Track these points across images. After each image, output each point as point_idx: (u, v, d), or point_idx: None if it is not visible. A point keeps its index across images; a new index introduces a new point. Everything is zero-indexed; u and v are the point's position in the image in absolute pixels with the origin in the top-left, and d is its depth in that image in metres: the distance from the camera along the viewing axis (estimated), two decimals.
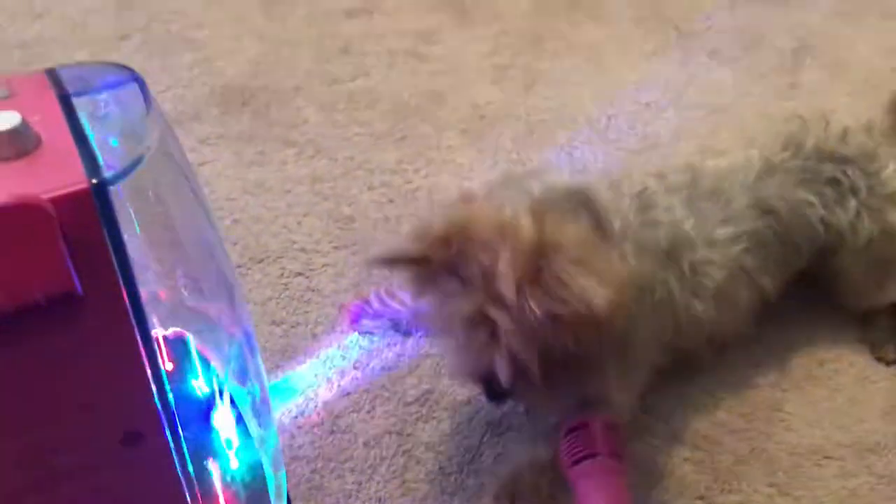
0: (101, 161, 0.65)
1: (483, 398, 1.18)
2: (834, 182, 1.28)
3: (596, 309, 0.95)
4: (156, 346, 0.69)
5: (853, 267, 1.32)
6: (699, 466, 1.24)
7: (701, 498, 1.20)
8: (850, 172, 1.28)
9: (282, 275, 1.51)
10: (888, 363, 1.37)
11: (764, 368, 1.36)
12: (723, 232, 1.22)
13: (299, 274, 1.51)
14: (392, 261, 1.08)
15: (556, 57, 2.02)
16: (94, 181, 0.60)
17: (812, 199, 1.27)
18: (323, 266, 1.53)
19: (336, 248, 1.55)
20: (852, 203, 1.28)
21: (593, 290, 0.96)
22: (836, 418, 1.30)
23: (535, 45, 2.06)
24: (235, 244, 1.56)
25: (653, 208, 1.18)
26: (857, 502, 1.20)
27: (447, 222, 1.03)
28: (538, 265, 0.97)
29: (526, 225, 1.00)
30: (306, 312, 1.45)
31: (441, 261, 1.02)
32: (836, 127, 1.32)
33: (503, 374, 1.02)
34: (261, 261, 1.54)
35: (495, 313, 0.98)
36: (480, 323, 1.00)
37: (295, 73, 1.94)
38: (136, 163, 0.65)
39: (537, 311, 0.96)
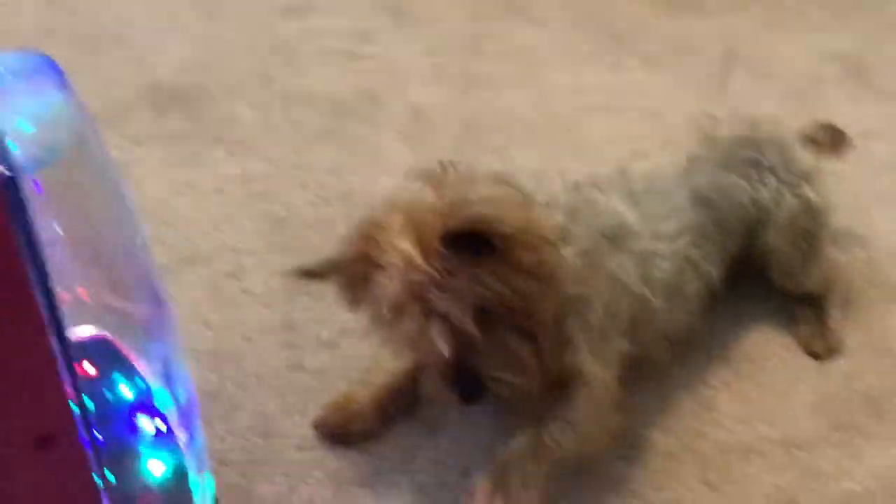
0: (14, 149, 0.62)
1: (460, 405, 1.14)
2: (754, 162, 1.38)
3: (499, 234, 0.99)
4: (70, 348, 0.66)
5: (779, 242, 1.39)
6: (632, 464, 1.25)
7: (634, 493, 1.21)
8: (766, 152, 1.38)
9: (212, 276, 1.48)
10: (819, 357, 1.41)
11: (694, 367, 1.38)
12: (667, 226, 1.27)
13: (231, 275, 1.48)
14: (316, 273, 1.13)
15: (494, 59, 2.03)
16: (5, 170, 0.58)
17: (740, 181, 1.36)
18: (255, 267, 1.50)
19: (268, 249, 1.53)
20: (772, 180, 1.37)
21: (497, 224, 0.99)
22: (765, 414, 1.33)
23: (472, 47, 2.06)
24: (165, 245, 1.52)
25: (593, 201, 1.21)
26: (784, 497, 1.22)
27: (359, 224, 1.07)
28: (444, 223, 1.00)
29: (426, 194, 1.03)
30: (238, 314, 1.42)
31: (359, 261, 1.05)
32: (746, 117, 1.42)
33: (442, 343, 1.02)
34: (192, 262, 1.50)
35: (414, 287, 1.01)
36: (408, 305, 1.02)
37: (228, 72, 1.91)
38: (52, 153, 0.62)
39: (445, 266, 0.99)
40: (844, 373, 1.39)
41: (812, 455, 1.28)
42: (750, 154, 1.37)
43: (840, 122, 1.89)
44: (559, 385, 1.16)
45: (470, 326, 1.02)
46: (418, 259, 1.00)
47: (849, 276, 1.52)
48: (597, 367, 1.17)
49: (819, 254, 1.43)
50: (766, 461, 1.26)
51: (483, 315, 1.03)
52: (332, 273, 1.11)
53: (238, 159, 1.70)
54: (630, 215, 1.24)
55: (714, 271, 1.32)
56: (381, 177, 1.69)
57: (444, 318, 1.02)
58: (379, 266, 1.04)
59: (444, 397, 1.11)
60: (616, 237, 1.21)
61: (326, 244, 1.52)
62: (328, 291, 1.43)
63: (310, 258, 1.49)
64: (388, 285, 1.03)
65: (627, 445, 1.26)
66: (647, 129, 1.86)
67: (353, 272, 1.08)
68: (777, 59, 2.08)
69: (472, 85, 1.94)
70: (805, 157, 1.42)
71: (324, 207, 1.61)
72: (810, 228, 1.40)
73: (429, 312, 1.02)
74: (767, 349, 1.42)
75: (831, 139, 1.53)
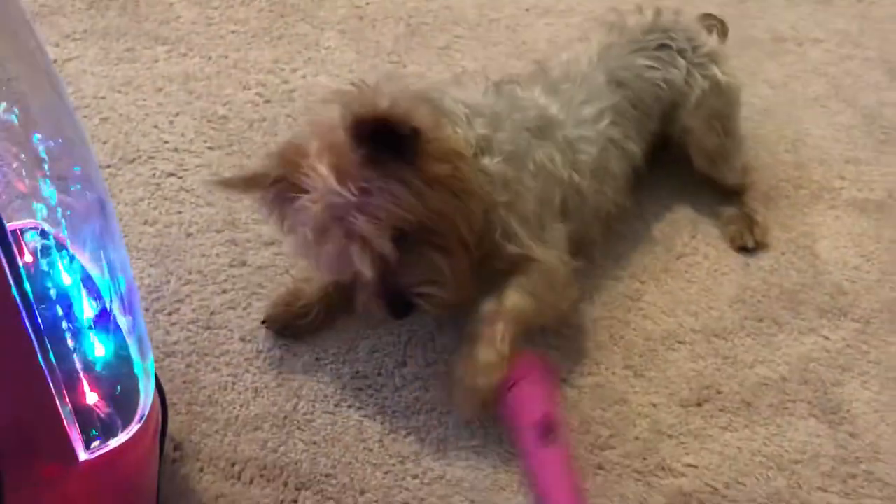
0: None
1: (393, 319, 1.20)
2: (664, 47, 1.44)
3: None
4: (7, 234, 0.68)
5: (694, 122, 1.46)
6: (562, 352, 1.31)
7: (563, 381, 1.28)
8: (674, 36, 1.45)
9: (154, 175, 1.48)
10: (749, 249, 1.48)
11: (624, 262, 1.44)
12: (588, 111, 1.33)
13: (172, 174, 1.49)
14: (238, 183, 1.14)
15: None
16: None
17: (651, 63, 1.42)
18: (197, 167, 1.50)
19: (210, 147, 1.53)
20: (681, 61, 1.44)
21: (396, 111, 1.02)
22: (689, 307, 1.40)
23: None
24: (105, 143, 1.52)
25: (515, 97, 1.25)
26: (703, 381, 1.30)
27: (285, 143, 1.11)
28: (353, 118, 1.02)
29: (336, 115, 1.05)
30: (179, 213, 1.43)
31: (281, 183, 1.08)
32: (649, 8, 1.48)
33: (364, 265, 1.07)
34: (132, 161, 1.50)
35: (334, 210, 1.04)
36: (329, 228, 1.06)
37: None
38: None
39: (361, 187, 1.03)
40: (766, 268, 1.46)
41: (731, 344, 1.36)
42: (659, 39, 1.43)
43: (779, 28, 1.93)
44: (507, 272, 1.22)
45: (387, 247, 1.07)
46: (334, 182, 1.03)
47: (771, 174, 1.59)
48: (543, 250, 1.22)
49: (736, 140, 1.51)
50: (687, 349, 1.34)
51: (402, 235, 1.07)
52: (255, 189, 1.13)
53: (177, 57, 1.68)
54: (552, 106, 1.29)
55: (636, 149, 1.40)
56: (322, 76, 1.69)
57: (364, 241, 1.06)
58: (301, 189, 1.07)
59: (376, 312, 1.15)
60: (541, 128, 1.26)
61: (268, 143, 1.54)
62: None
63: (251, 159, 1.52)
64: (310, 208, 1.06)
65: (559, 335, 1.33)
66: (589, 31, 1.86)
67: (275, 193, 1.11)
68: None
69: None
70: (709, 40, 1.48)
71: (265, 106, 1.61)
72: (722, 109, 1.47)
73: (350, 234, 1.06)
74: (694, 248, 1.48)
75: (720, 27, 1.61)
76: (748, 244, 1.48)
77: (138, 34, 1.71)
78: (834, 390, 1.31)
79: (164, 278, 1.34)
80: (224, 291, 1.34)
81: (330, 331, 1.30)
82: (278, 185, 1.10)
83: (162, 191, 1.46)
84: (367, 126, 1.02)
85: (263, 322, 1.29)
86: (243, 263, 1.37)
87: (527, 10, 1.91)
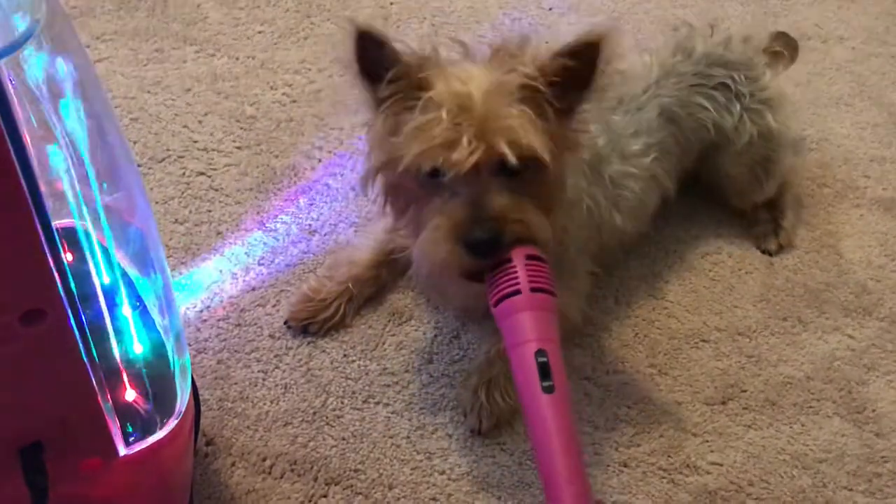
0: None
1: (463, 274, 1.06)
2: (723, 87, 1.37)
3: None
4: (53, 228, 0.70)
5: (735, 168, 1.43)
6: (587, 350, 1.33)
7: (588, 378, 1.29)
8: (736, 77, 1.37)
9: (183, 174, 1.50)
10: (772, 254, 1.48)
11: (649, 261, 1.45)
12: (636, 145, 1.30)
13: (201, 173, 1.51)
14: (379, 43, 0.99)
15: None
16: None
17: (706, 103, 1.36)
18: (225, 166, 1.52)
19: (238, 147, 1.55)
20: (737, 107, 1.37)
21: None
22: (714, 305, 1.41)
23: None
24: (135, 143, 1.54)
25: None
26: (727, 379, 1.31)
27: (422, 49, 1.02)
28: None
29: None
30: (209, 211, 1.46)
31: (417, 74, 1.00)
32: (720, 34, 1.40)
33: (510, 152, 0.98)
34: (161, 160, 1.52)
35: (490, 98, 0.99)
36: (467, 120, 0.98)
37: None
38: (26, 37, 0.64)
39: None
40: (790, 267, 1.47)
41: (755, 342, 1.36)
42: (721, 77, 1.36)
43: (802, 26, 1.93)
44: None
45: (513, 159, 0.98)
46: (529, 68, 1.00)
47: (801, 179, 1.58)
48: (567, 298, 1.20)
49: (774, 174, 1.46)
50: (712, 347, 1.35)
51: (525, 165, 1.01)
52: (395, 63, 1.00)
53: (205, 58, 1.70)
54: (601, 137, 1.24)
55: (671, 185, 1.37)
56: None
57: (508, 130, 0.98)
58: (433, 101, 0.99)
59: (452, 258, 1.02)
60: (591, 166, 1.23)
61: (296, 143, 1.56)
62: (298, 191, 1.49)
63: (279, 158, 1.53)
64: (459, 89, 0.99)
65: (584, 334, 1.34)
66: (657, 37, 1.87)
67: (403, 85, 1.01)
68: None
69: None
70: (771, 84, 1.41)
71: (292, 106, 1.63)
72: (768, 154, 1.42)
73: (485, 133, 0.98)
74: (718, 247, 1.49)
75: (787, 48, 1.54)
76: (772, 249, 1.48)
77: (167, 35, 1.73)
78: (859, 389, 1.31)
79: (196, 276, 1.36)
80: (253, 289, 1.36)
81: (357, 328, 1.32)
82: (409, 79, 1.00)
83: (192, 189, 1.48)
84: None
85: (286, 323, 1.31)
86: (272, 261, 1.40)
87: (549, 9, 1.92)
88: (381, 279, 1.34)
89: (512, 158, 0.98)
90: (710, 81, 1.36)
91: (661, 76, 1.34)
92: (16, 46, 0.64)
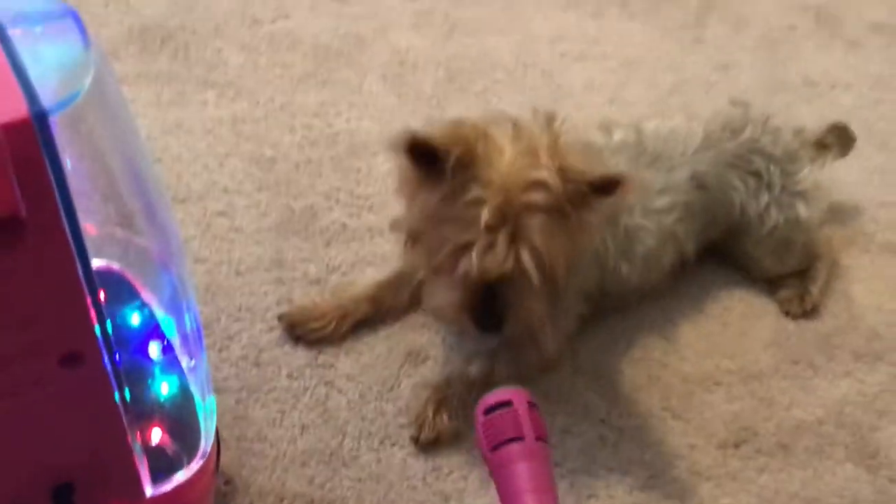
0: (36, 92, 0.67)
1: (469, 331, 1.23)
2: (757, 175, 1.41)
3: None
4: (93, 271, 0.72)
5: (757, 251, 1.47)
6: (601, 393, 1.34)
7: (602, 421, 1.30)
8: (772, 170, 1.41)
9: (204, 214, 1.53)
10: (794, 317, 1.48)
11: (661, 304, 1.47)
12: (660, 202, 1.32)
13: (221, 214, 1.54)
14: (419, 142, 1.05)
15: (475, 5, 2.06)
16: (36, 110, 0.63)
17: (738, 183, 1.40)
18: (245, 207, 1.55)
19: (258, 189, 1.58)
20: (765, 197, 1.41)
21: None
22: (726, 349, 1.42)
23: None
24: None
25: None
26: (740, 423, 1.32)
27: (466, 124, 1.09)
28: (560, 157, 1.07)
29: (536, 130, 1.12)
30: (229, 251, 1.48)
31: (459, 155, 1.05)
32: (772, 124, 1.44)
33: (531, 267, 1.07)
34: (183, 200, 1.55)
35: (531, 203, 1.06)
36: (502, 224, 1.06)
37: (214, 14, 1.93)
38: (75, 95, 0.68)
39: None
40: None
41: (767, 386, 1.38)
42: (758, 165, 1.40)
43: (810, 72, 1.97)
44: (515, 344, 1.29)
45: (560, 265, 1.09)
46: (554, 181, 1.06)
47: (834, 249, 1.57)
48: (552, 339, 1.28)
49: (798, 255, 1.48)
50: (724, 391, 1.36)
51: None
52: (445, 148, 1.06)
53: (226, 101, 1.74)
54: None
55: (692, 247, 1.40)
56: (365, 120, 1.74)
57: (533, 248, 1.06)
58: (475, 178, 1.06)
59: (457, 316, 1.16)
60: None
61: (314, 184, 1.59)
62: (317, 231, 1.52)
63: (297, 200, 1.56)
64: (488, 203, 1.05)
65: (598, 377, 1.35)
66: (625, 76, 1.92)
67: (443, 166, 1.06)
68: (751, 8, 2.14)
69: (454, 30, 1.98)
70: (809, 177, 1.44)
71: (310, 149, 1.66)
72: (794, 238, 1.45)
73: (521, 237, 1.06)
74: (730, 291, 1.51)
75: (839, 141, 1.55)
76: (796, 312, 1.47)
77: (188, 79, 1.78)
78: (871, 435, 1.32)
79: (215, 316, 1.38)
80: (271, 329, 1.38)
81: (373, 368, 1.34)
82: (449, 159, 1.05)
83: (212, 230, 1.51)
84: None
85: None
86: (290, 301, 1.42)
87: (562, 55, 1.96)
88: (381, 301, 1.37)
89: (535, 279, 1.08)
90: (747, 166, 1.41)
91: (702, 146, 1.37)
92: (68, 102, 0.67)
